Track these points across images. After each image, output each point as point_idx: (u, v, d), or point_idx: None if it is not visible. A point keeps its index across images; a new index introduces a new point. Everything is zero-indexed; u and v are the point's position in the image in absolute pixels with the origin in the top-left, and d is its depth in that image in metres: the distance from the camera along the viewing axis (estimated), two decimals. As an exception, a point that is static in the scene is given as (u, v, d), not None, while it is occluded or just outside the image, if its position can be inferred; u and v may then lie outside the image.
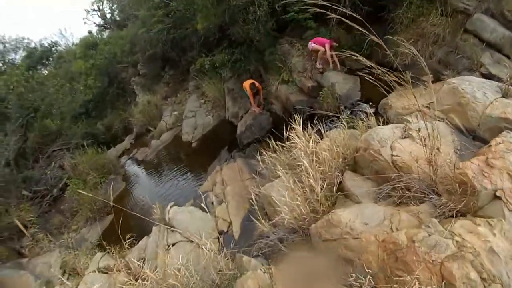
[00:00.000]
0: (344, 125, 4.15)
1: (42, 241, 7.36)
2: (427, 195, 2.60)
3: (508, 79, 3.60)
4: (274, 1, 7.31)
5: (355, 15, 2.42)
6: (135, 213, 4.30)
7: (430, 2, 5.93)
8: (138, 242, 5.30)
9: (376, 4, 6.61)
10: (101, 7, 22.36)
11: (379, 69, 2.44)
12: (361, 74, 2.90)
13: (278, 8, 7.30)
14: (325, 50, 6.70)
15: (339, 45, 6.82)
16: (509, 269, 1.91)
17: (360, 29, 2.40)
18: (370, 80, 2.65)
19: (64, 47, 24.95)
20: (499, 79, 4.38)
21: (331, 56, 6.78)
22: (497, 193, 2.27)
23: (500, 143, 2.63)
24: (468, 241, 2.03)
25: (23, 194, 10.06)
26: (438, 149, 2.56)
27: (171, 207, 5.36)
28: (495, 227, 2.10)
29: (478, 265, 1.90)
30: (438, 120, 3.48)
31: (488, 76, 4.92)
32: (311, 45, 6.88)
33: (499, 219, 2.15)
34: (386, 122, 4.28)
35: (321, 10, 2.42)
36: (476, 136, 3.43)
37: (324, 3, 2.37)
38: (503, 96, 3.47)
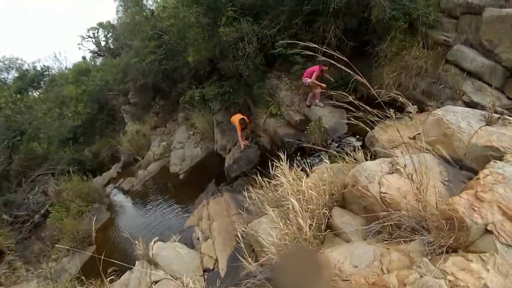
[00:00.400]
0: (327, 162, 4.12)
1: (19, 269, 7.05)
2: (417, 231, 2.52)
3: (491, 107, 3.62)
4: (263, 37, 7.52)
5: (341, 56, 2.50)
6: (119, 248, 4.08)
7: (412, 36, 6.21)
8: (119, 277, 4.99)
9: (360, 40, 6.90)
10: (96, 35, 22.92)
11: (363, 107, 2.47)
12: (347, 108, 2.90)
13: (267, 43, 7.49)
14: (319, 83, 6.80)
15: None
16: (505, 305, 1.82)
17: (346, 69, 2.50)
18: (355, 116, 2.67)
19: (57, 71, 25.25)
20: (482, 107, 4.48)
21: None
22: (488, 227, 2.21)
23: (488, 175, 2.59)
24: (461, 280, 1.95)
25: (3, 218, 9.71)
26: (426, 187, 2.52)
27: (155, 242, 5.15)
28: (488, 262, 2.03)
29: (473, 304, 1.81)
30: (425, 152, 3.48)
31: (471, 104, 5.06)
32: (307, 81, 6.90)
33: (492, 254, 2.08)
34: (374, 155, 4.25)
35: (308, 44, 2.49)
36: (463, 165, 3.40)
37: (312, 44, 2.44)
38: (487, 124, 3.48)
